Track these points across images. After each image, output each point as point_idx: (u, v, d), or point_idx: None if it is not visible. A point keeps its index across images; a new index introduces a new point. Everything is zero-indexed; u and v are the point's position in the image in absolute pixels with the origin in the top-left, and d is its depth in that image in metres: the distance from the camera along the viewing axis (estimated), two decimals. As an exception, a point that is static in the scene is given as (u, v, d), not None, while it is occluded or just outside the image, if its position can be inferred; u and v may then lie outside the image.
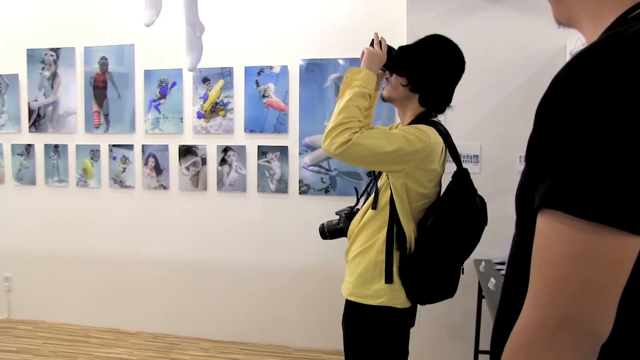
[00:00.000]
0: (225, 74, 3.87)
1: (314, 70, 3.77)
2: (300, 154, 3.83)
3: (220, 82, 3.89)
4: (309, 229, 3.83)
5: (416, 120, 1.92)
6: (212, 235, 4.00)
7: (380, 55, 1.89)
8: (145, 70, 4.02)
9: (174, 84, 3.97)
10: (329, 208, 3.81)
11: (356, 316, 1.94)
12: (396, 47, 1.99)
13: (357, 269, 1.93)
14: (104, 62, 4.10)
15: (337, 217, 2.15)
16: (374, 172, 2.07)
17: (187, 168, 3.99)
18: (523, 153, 3.00)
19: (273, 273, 3.94)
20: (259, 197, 3.91)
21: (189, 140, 3.98)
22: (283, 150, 3.85)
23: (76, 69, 4.17)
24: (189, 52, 2.93)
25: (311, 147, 3.81)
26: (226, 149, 3.91)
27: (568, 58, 3.17)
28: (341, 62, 3.71)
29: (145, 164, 4.06)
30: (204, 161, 3.96)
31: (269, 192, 3.88)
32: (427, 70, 1.90)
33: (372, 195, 1.97)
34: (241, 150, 3.89)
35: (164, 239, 4.08)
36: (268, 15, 3.86)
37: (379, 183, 1.94)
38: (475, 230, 1.90)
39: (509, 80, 3.31)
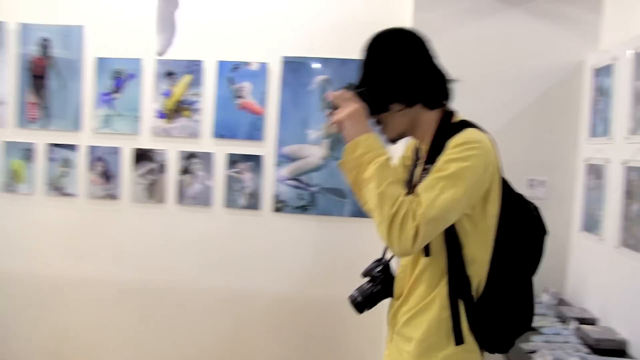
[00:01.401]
0: (194, 68, 3.48)
1: (298, 70, 3.45)
2: (276, 165, 3.50)
3: (187, 78, 3.50)
4: (283, 252, 3.54)
5: (442, 129, 1.61)
6: (169, 255, 3.58)
7: (360, 107, 1.57)
8: (97, 58, 3.57)
9: (131, 76, 3.54)
10: (307, 229, 3.53)
11: None
12: (349, 87, 1.66)
13: (416, 333, 1.61)
14: (45, 44, 3.62)
15: (368, 279, 1.81)
16: None
17: (142, 176, 3.56)
18: (533, 176, 2.81)
19: (240, 302, 3.56)
20: (225, 213, 3.54)
21: (145, 143, 3.56)
22: (257, 160, 3.50)
23: (8, 49, 3.67)
24: (159, 32, 2.60)
25: (290, 158, 3.49)
26: (190, 156, 3.52)
27: (588, 74, 3.02)
28: (317, 66, 3.43)
29: (92, 168, 3.61)
30: (162, 168, 3.54)
31: (238, 207, 3.52)
32: (407, 75, 1.59)
33: None
34: (208, 157, 3.51)
35: (111, 258, 3.63)
36: (249, 3, 3.50)
37: None
38: (541, 242, 1.69)
39: (521, 95, 3.11)
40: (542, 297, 2.95)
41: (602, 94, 2.80)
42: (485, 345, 1.63)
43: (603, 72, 2.80)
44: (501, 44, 3.12)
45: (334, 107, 1.59)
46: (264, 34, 3.49)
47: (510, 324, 1.65)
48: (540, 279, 2.95)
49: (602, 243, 2.67)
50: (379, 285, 1.77)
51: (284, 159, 3.49)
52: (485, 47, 3.13)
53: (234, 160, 3.50)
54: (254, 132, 3.49)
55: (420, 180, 1.56)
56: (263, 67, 3.46)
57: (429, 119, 1.64)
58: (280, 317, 3.57)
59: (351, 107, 1.56)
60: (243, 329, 3.58)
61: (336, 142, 3.46)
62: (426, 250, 1.59)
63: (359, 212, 3.46)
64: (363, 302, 1.78)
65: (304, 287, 3.54)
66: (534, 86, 3.12)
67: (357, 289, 1.81)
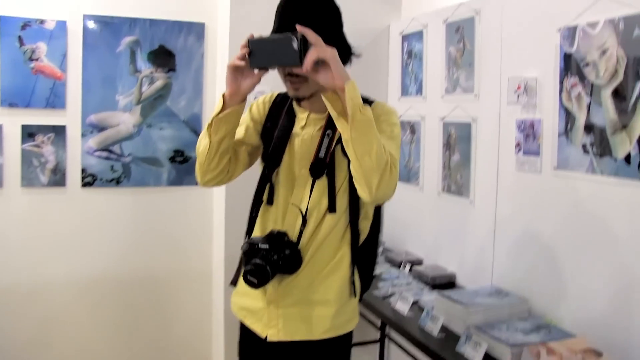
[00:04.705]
0: (-30, 24, 3.13)
1: (104, 31, 3.32)
2: (83, 135, 3.34)
3: (-37, 36, 3.13)
4: (97, 230, 3.46)
5: None
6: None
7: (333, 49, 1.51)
8: None
9: None
10: (121, 203, 3.48)
11: (337, 353, 1.81)
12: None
13: (330, 294, 1.76)
14: None
15: (267, 246, 1.72)
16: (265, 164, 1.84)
17: None
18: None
19: (48, 292, 3.36)
20: (23, 193, 3.27)
21: None
22: (59, 131, 3.29)
23: None
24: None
25: (98, 127, 3.36)
26: (-25, 129, 3.17)
27: (393, 37, 3.43)
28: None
29: None
30: (-61, 145, 3.14)
31: (39, 185, 3.28)
32: (344, 38, 1.75)
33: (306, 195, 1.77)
34: (-3, 130, 3.21)
35: None
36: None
37: (337, 183, 1.75)
38: None
39: (335, 57, 3.42)
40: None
41: (412, 57, 3.23)
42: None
43: (413, 37, 3.22)
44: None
45: (304, 42, 1.48)
46: (61, -12, 3.26)
47: (373, 267, 1.98)
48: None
49: (421, 191, 3.13)
50: (284, 259, 1.73)
51: (91, 128, 3.36)
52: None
53: (31, 132, 3.25)
54: (54, 100, 3.27)
55: (323, 143, 1.71)
56: (61, 25, 3.24)
57: None
58: (97, 301, 3.47)
59: (329, 47, 1.49)
60: (54, 321, 3.39)
61: (148, 108, 3.43)
62: (333, 206, 1.74)
63: (178, 180, 3.52)
64: (271, 273, 1.69)
65: (123, 265, 3.49)
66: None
67: (261, 258, 1.69)
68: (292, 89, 1.68)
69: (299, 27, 1.47)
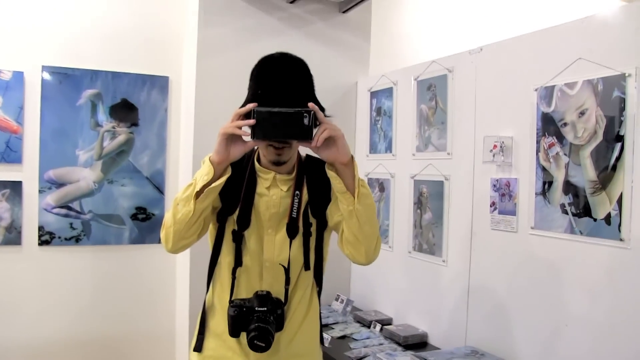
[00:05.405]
0: None
1: (63, 83, 3.21)
2: (40, 192, 3.19)
3: None
4: (55, 291, 3.29)
5: (304, 161, 1.81)
6: None
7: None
8: None
9: None
10: (80, 262, 3.32)
11: None
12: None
13: (310, 345, 1.85)
14: None
15: (264, 309, 1.69)
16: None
17: None
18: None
19: (1, 356, 3.13)
20: (-25, 252, 3.08)
21: None
22: (15, 187, 3.14)
23: None
24: None
25: (57, 183, 3.22)
26: None
27: (360, 94, 3.43)
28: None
29: None
30: None
31: (-8, 244, 3.11)
32: (315, 99, 1.70)
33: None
34: (-52, 186, 3.03)
35: None
36: None
37: (311, 243, 1.78)
38: None
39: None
40: (334, 305, 3.26)
41: (382, 114, 3.21)
42: None
43: (382, 94, 3.22)
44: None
45: (310, 117, 1.52)
46: (20, 38, 3.15)
47: None
48: (330, 288, 3.30)
49: (391, 250, 3.08)
50: (276, 319, 1.72)
51: (50, 184, 3.21)
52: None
53: (-16, 188, 3.09)
54: (10, 154, 3.13)
55: (295, 204, 1.73)
56: (18, 76, 3.12)
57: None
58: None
59: (335, 125, 1.55)
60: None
61: (110, 163, 3.31)
62: (308, 265, 1.78)
63: (140, 238, 3.38)
64: (273, 333, 1.66)
65: (82, 328, 3.31)
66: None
67: (259, 321, 1.65)
68: (276, 154, 1.68)
69: (310, 105, 1.52)
